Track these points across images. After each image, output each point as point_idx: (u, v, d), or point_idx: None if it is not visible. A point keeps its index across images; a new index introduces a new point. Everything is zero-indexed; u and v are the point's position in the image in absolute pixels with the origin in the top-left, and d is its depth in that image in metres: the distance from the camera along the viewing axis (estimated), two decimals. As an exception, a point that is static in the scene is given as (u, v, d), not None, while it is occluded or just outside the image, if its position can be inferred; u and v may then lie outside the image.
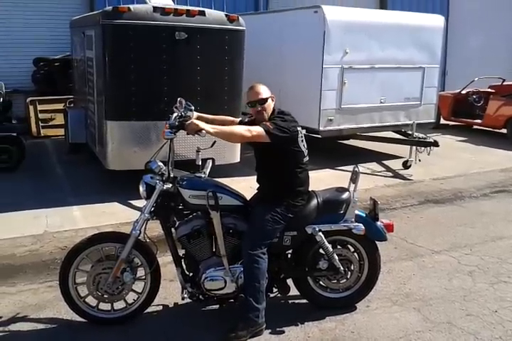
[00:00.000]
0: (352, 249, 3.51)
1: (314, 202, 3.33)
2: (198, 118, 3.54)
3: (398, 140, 8.15)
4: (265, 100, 3.24)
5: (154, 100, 5.87)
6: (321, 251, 3.38)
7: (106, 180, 6.58)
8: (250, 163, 3.58)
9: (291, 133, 3.16)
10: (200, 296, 3.25)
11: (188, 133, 3.05)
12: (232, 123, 3.54)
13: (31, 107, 9.08)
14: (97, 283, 3.27)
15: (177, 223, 3.32)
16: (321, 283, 3.49)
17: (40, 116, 9.13)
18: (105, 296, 3.30)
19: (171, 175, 3.23)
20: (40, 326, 3.35)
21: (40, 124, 9.16)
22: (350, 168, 3.52)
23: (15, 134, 7.00)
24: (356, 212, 3.42)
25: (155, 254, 3.32)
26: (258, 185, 3.42)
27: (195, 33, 5.92)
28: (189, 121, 3.03)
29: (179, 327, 3.32)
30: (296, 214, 3.25)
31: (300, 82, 7.58)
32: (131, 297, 3.37)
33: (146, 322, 3.37)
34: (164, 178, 3.21)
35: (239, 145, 6.56)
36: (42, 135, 9.20)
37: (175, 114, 3.32)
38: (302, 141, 3.29)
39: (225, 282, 3.22)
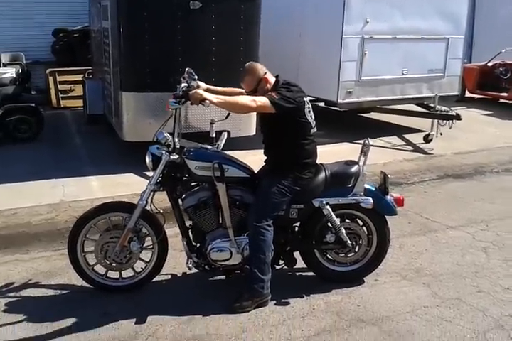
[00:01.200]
0: (360, 223, 3.45)
1: (322, 175, 3.27)
2: (207, 90, 3.48)
3: (420, 113, 7.94)
4: (254, 90, 3.21)
5: (169, 71, 5.80)
6: (328, 224, 3.33)
7: (123, 151, 6.60)
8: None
9: (297, 104, 3.09)
10: (206, 267, 3.26)
11: (192, 104, 3.00)
12: (241, 94, 3.47)
13: (51, 78, 9.12)
14: (105, 251, 3.31)
15: (184, 194, 3.31)
16: (328, 256, 3.46)
17: (60, 87, 9.17)
18: (113, 265, 3.34)
19: (177, 146, 3.20)
20: (51, 292, 3.42)
21: (60, 95, 9.21)
22: (371, 141, 3.42)
23: (33, 105, 7.05)
24: (365, 185, 3.35)
25: (162, 224, 3.32)
26: (265, 158, 3.37)
27: (210, 2, 5.79)
28: (193, 91, 2.97)
29: (186, 296, 3.35)
30: (303, 187, 3.20)
31: (319, 53, 7.40)
32: (139, 265, 3.40)
33: (154, 290, 3.42)
34: (170, 149, 3.18)
35: (254, 117, 6.48)
36: (62, 106, 9.27)
37: (182, 85, 3.28)
38: (309, 111, 3.21)
39: (231, 253, 3.22)
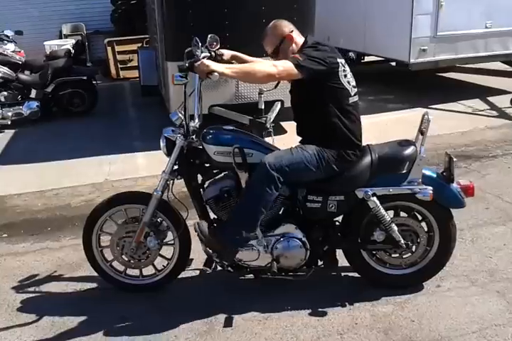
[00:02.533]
0: (419, 217, 2.83)
1: (367, 159, 2.66)
2: (232, 58, 2.96)
3: (506, 72, 6.88)
4: (277, 50, 2.66)
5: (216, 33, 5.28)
6: (376, 219, 2.74)
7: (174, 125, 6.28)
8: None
9: (327, 65, 2.51)
10: (229, 268, 2.81)
11: (200, 78, 2.49)
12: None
13: (109, 48, 8.92)
14: (122, 247, 2.96)
15: (205, 184, 2.86)
16: (377, 256, 2.88)
17: (119, 57, 8.95)
18: (131, 262, 3.00)
19: (193, 129, 2.72)
20: (70, 288, 3.15)
21: (119, 66, 9.01)
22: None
23: (85, 78, 6.84)
24: (424, 171, 2.71)
25: (182, 216, 2.91)
26: (299, 139, 2.81)
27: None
28: (198, 62, 2.45)
29: (209, 300, 2.95)
30: (343, 172, 2.64)
31: (387, 6, 6.52)
32: (160, 262, 3.04)
33: (176, 290, 3.04)
34: (185, 132, 2.71)
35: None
36: (121, 77, 9.09)
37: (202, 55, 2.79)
38: (345, 76, 2.63)
39: (259, 253, 2.74)
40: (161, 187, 2.81)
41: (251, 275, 2.97)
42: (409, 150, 2.67)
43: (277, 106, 5.53)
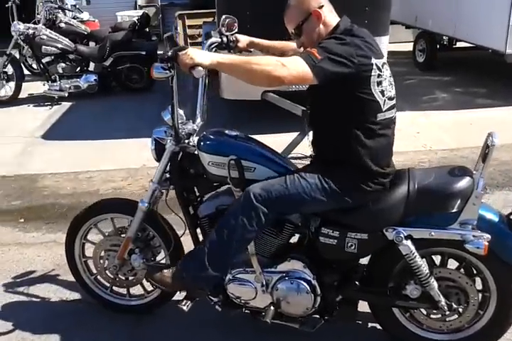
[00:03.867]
0: (470, 271, 2.13)
1: (402, 189, 1.99)
2: (251, 45, 2.38)
3: None
4: (299, 30, 1.99)
5: (274, 15, 4.65)
6: (410, 269, 2.08)
7: (230, 109, 5.80)
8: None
9: (355, 67, 1.83)
10: (219, 302, 2.28)
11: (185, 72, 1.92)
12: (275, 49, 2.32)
13: (179, 22, 8.46)
14: (105, 262, 2.55)
15: (201, 198, 2.34)
16: (413, 314, 2.22)
17: (188, 31, 8.49)
18: (116, 279, 2.57)
19: (185, 131, 2.20)
20: (58, 294, 2.82)
21: (188, 41, 8.58)
22: None
23: (144, 53, 6.50)
24: (482, 212, 1.99)
25: (174, 232, 2.42)
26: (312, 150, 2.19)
27: None
28: (183, 51, 1.88)
29: (202, 327, 2.47)
30: (365, 204, 1.99)
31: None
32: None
33: (161, 319, 2.58)
34: (176, 136, 2.19)
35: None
36: (191, 52, 8.68)
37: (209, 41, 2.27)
38: (380, 83, 1.92)
39: (256, 291, 2.20)
40: (147, 198, 2.33)
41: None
42: (462, 183, 1.96)
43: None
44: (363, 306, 2.28)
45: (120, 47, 6.36)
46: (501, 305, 2.08)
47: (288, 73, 1.77)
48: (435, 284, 2.04)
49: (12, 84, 6.53)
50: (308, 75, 1.78)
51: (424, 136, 5.08)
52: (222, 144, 2.16)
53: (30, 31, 6.18)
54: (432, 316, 2.19)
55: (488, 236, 1.93)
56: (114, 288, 2.63)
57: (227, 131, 2.22)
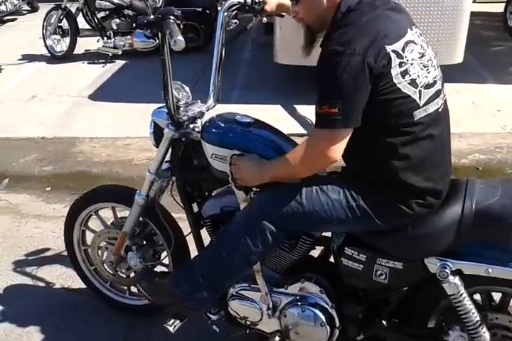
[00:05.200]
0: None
1: (455, 209, 1.48)
2: (279, 6, 1.93)
3: None
4: None
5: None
6: (455, 311, 1.59)
7: (284, 75, 5.30)
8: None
9: (369, 77, 1.36)
10: (214, 326, 1.92)
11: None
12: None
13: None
14: (102, 255, 2.26)
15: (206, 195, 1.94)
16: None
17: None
18: (115, 275, 2.28)
19: (183, 118, 1.79)
20: (59, 284, 2.59)
21: (254, -3, 8.00)
22: None
23: (200, 9, 6.04)
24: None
25: (177, 229, 2.06)
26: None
27: None
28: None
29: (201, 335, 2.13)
30: (402, 228, 1.51)
31: None
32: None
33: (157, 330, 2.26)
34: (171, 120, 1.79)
35: (462, 33, 4.40)
36: (256, 9, 8.10)
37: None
38: (406, 73, 1.41)
39: (261, 313, 1.82)
40: (145, 190, 1.97)
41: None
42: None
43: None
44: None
45: (175, 3, 5.92)
46: None
47: (332, 155, 1.42)
48: (487, 336, 1.56)
49: (67, 39, 6.33)
50: (344, 134, 1.41)
51: (506, 116, 4.38)
52: (228, 134, 1.73)
53: (85, -16, 5.89)
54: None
55: None
56: (113, 283, 2.34)
57: (238, 117, 1.78)
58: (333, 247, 1.69)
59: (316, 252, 1.89)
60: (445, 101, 1.56)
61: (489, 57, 5.78)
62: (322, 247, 1.87)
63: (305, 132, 4.12)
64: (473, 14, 6.47)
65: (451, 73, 4.96)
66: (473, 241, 1.50)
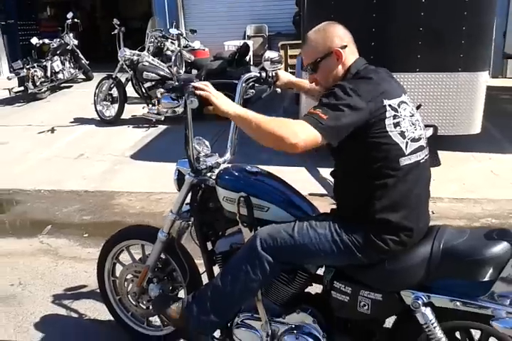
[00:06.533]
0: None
1: (425, 248, 1.73)
2: (289, 84, 2.32)
3: None
4: (315, 65, 1.85)
5: (359, 46, 4.50)
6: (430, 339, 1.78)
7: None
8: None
9: (363, 114, 1.67)
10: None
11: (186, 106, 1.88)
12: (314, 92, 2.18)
13: (282, 52, 8.63)
14: (129, 286, 2.54)
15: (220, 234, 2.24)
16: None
17: (289, 61, 8.63)
18: (137, 306, 2.54)
19: (201, 167, 2.14)
20: (87, 314, 2.87)
21: (289, 70, 8.66)
22: None
23: (236, 81, 6.61)
24: (521, 285, 1.66)
25: (192, 265, 2.34)
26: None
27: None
28: (194, 83, 1.84)
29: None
30: (379, 262, 1.76)
31: None
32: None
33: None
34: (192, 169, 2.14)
35: (480, 105, 4.69)
36: (290, 82, 8.75)
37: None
38: (397, 124, 1.72)
39: (261, 340, 2.04)
40: (167, 227, 2.29)
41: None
42: (496, 249, 1.64)
43: (427, 133, 4.57)
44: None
45: (215, 75, 6.54)
46: None
47: (299, 140, 1.63)
48: (458, 365, 1.73)
49: (116, 105, 6.99)
50: (318, 138, 1.64)
51: (523, 185, 4.57)
52: (237, 180, 2.06)
53: (135, 57, 6.61)
54: None
55: (523, 315, 1.59)
56: (134, 313, 2.60)
57: (248, 167, 2.12)
58: (325, 282, 1.93)
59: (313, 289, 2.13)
60: (427, 156, 1.85)
61: (512, 130, 6.04)
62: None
63: (325, 192, 4.42)
64: (502, 89, 6.85)
65: (473, 143, 5.27)
66: (443, 276, 1.72)
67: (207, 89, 1.84)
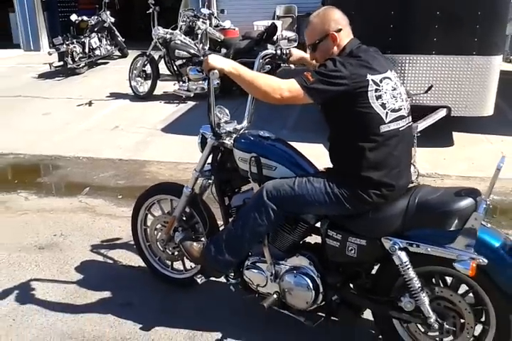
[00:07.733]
0: (476, 301, 2.09)
1: (402, 203, 2.06)
2: (301, 60, 2.62)
3: None
4: (314, 46, 2.18)
5: (379, 29, 4.74)
6: (404, 278, 2.13)
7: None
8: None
9: (347, 85, 1.99)
10: (232, 286, 2.55)
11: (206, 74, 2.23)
12: None
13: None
14: (157, 235, 2.95)
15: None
16: (409, 328, 2.26)
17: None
18: (164, 252, 2.96)
19: (226, 130, 2.50)
20: (118, 260, 3.31)
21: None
22: None
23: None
24: (483, 235, 1.98)
25: (211, 217, 2.73)
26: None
27: None
28: (207, 57, 2.19)
29: (233, 306, 2.75)
30: (364, 212, 2.11)
31: None
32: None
33: (195, 294, 2.91)
34: (214, 133, 2.51)
35: (493, 87, 4.87)
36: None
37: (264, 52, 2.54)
38: (379, 97, 2.03)
39: (266, 279, 2.42)
40: (191, 184, 2.68)
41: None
42: (462, 203, 1.96)
43: (438, 113, 4.80)
44: (369, 315, 2.37)
45: (242, 54, 6.84)
46: (500, 337, 2.03)
47: (284, 93, 2.01)
48: (426, 300, 2.07)
49: (149, 82, 7.37)
50: (300, 95, 2.01)
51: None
52: (250, 143, 2.42)
53: (168, 36, 6.96)
54: (429, 333, 2.20)
55: (484, 260, 1.91)
56: (161, 258, 3.02)
57: (261, 133, 2.47)
58: (321, 230, 2.28)
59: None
60: (409, 124, 2.17)
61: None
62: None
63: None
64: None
65: (488, 125, 5.46)
66: (417, 226, 2.05)
67: (205, 59, 2.18)
